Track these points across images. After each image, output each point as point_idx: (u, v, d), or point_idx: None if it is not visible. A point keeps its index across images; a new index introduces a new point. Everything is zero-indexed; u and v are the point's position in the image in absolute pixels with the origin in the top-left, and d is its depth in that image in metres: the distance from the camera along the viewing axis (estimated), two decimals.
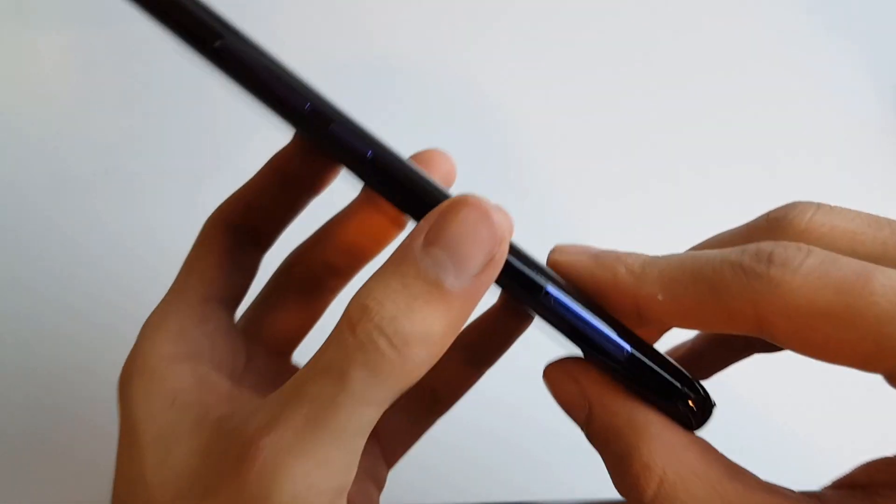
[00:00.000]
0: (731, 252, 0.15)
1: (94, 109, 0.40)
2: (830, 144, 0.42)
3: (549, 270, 0.16)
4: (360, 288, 0.16)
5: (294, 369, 0.24)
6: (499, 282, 0.16)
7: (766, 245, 0.15)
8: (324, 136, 0.16)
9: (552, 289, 0.16)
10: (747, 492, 0.15)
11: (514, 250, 0.16)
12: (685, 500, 0.14)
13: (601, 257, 0.17)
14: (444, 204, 0.15)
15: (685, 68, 0.43)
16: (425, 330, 0.15)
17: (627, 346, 0.15)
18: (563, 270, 0.17)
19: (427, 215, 0.15)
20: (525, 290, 0.16)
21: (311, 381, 0.15)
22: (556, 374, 0.18)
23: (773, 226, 0.16)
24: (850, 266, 0.13)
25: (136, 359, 0.19)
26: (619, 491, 0.16)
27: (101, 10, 0.41)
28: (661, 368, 0.15)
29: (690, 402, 0.15)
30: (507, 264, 0.16)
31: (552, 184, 0.40)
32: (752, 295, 0.14)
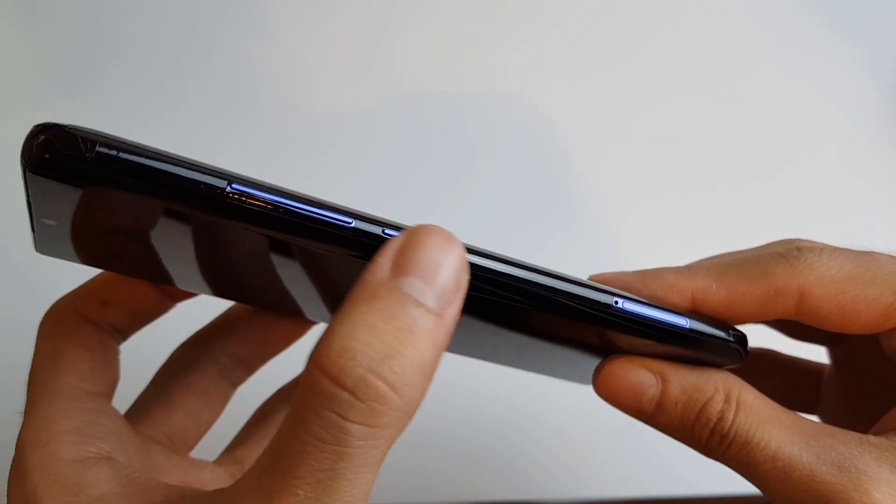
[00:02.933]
0: (762, 248, 0.19)
1: None
2: (830, 145, 0.42)
3: (605, 287, 0.17)
4: (329, 334, 0.13)
5: (197, 465, 0.21)
6: (565, 313, 0.16)
7: (791, 241, 0.19)
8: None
9: (620, 300, 0.17)
10: (798, 417, 0.18)
11: (564, 278, 0.17)
12: (757, 412, 0.17)
13: (641, 272, 0.19)
14: (404, 235, 0.14)
15: (681, 71, 0.43)
16: (421, 362, 0.13)
17: (687, 320, 0.17)
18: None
19: (383, 250, 0.14)
20: (595, 310, 0.17)
21: (300, 456, 0.13)
22: (621, 368, 0.18)
23: (783, 241, 0.19)
24: (856, 249, 0.18)
25: (33, 473, 0.16)
26: (696, 443, 0.18)
27: None
28: (712, 326, 0.18)
29: (739, 341, 0.18)
30: (571, 295, 0.16)
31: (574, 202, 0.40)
32: (794, 273, 0.17)
